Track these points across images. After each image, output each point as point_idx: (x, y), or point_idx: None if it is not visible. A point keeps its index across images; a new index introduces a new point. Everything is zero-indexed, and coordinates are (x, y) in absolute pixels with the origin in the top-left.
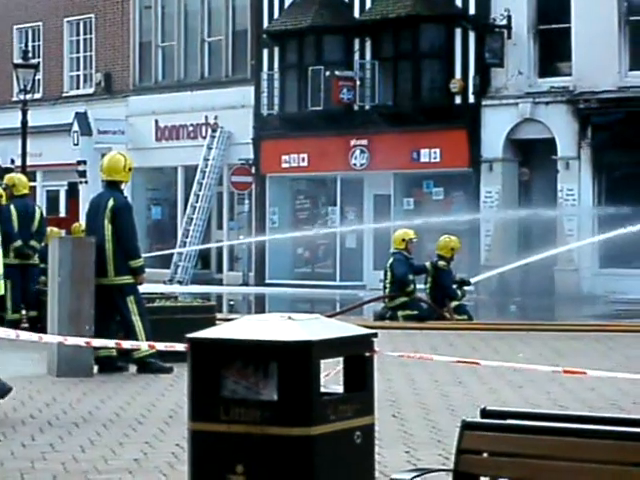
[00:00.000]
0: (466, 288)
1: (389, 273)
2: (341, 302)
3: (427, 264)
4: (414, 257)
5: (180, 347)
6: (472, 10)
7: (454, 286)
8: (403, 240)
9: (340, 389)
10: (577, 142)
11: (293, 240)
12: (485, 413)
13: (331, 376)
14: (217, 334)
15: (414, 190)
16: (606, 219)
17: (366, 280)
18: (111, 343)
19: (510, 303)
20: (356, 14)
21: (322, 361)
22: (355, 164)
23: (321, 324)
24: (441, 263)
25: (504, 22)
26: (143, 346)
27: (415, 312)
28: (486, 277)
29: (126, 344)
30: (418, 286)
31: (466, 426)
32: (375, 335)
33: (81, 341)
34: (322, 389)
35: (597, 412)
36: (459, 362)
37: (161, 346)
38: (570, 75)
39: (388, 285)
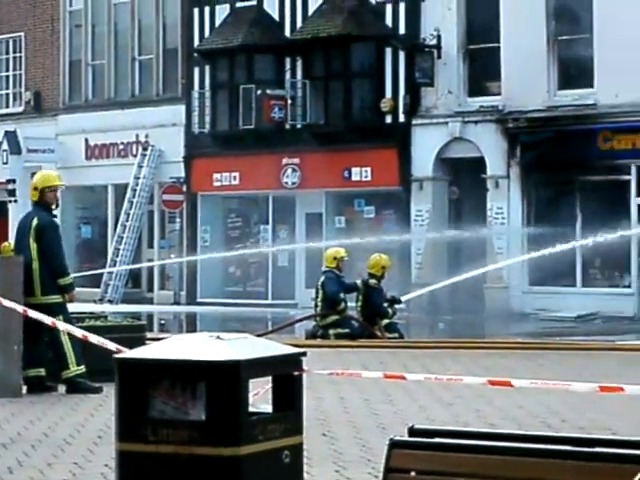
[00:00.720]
0: (397, 306)
1: (320, 291)
2: (273, 321)
3: (358, 282)
4: (345, 275)
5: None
6: (402, 30)
7: (385, 304)
8: (335, 258)
9: (269, 408)
10: (506, 161)
11: (225, 259)
12: (413, 431)
13: (260, 395)
14: (145, 354)
15: (345, 208)
16: (535, 237)
17: (298, 298)
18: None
19: (441, 321)
20: (287, 33)
21: (251, 380)
22: (287, 182)
23: (250, 343)
24: (372, 281)
25: (434, 42)
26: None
27: (346, 330)
28: (417, 295)
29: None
30: (349, 304)
31: (394, 445)
32: (304, 354)
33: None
34: (251, 409)
35: (526, 430)
36: (387, 377)
37: (112, 346)
38: (499, 94)
39: (319, 303)
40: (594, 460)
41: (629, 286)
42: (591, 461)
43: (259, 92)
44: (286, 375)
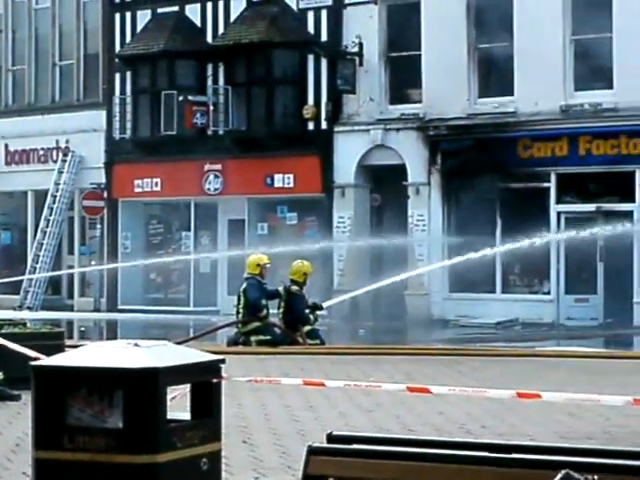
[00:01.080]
0: (319, 312)
1: (242, 298)
2: (195, 328)
3: (280, 289)
4: (267, 282)
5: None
6: (324, 37)
7: (307, 311)
8: (258, 265)
9: (187, 416)
10: (427, 168)
11: (146, 265)
12: (332, 438)
13: (178, 398)
14: (62, 361)
15: (268, 215)
16: (455, 244)
17: (220, 305)
18: None
19: (362, 327)
20: (209, 39)
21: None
22: (209, 189)
23: (168, 351)
24: (294, 288)
25: (356, 49)
26: None
27: (268, 337)
28: (338, 301)
29: None
30: (271, 311)
31: (312, 451)
32: (223, 361)
33: None
34: (169, 416)
35: (445, 436)
36: (306, 383)
37: (31, 354)
38: (420, 102)
39: (241, 310)
40: (511, 466)
41: (548, 293)
42: (508, 467)
43: (181, 98)
44: (205, 382)
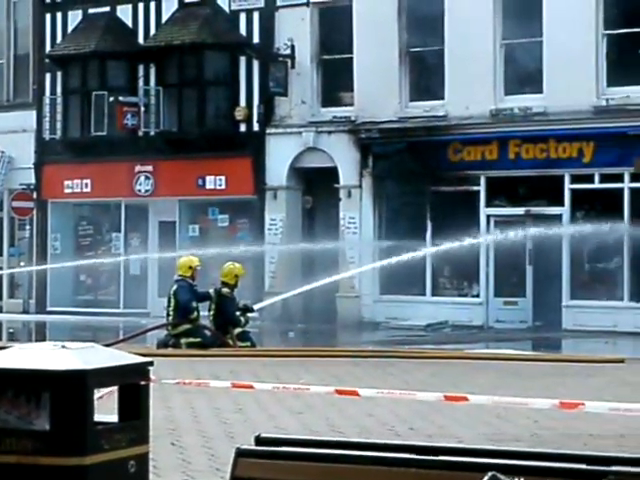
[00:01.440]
0: (250, 315)
1: (172, 300)
2: (124, 330)
3: (211, 291)
4: (198, 284)
5: None
6: (256, 39)
7: (238, 313)
8: (190, 267)
9: (115, 418)
10: (359, 171)
11: (75, 267)
12: (260, 440)
13: (105, 397)
14: None
15: (199, 217)
16: (386, 247)
17: (150, 307)
18: None
19: (293, 330)
20: (140, 40)
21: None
22: (140, 190)
23: (96, 353)
24: (225, 290)
25: (288, 51)
26: None
27: (198, 339)
28: (269, 304)
29: None
30: (202, 313)
31: (240, 453)
32: (151, 363)
33: None
34: (96, 418)
35: (374, 438)
36: (235, 386)
37: None
38: (352, 105)
39: (171, 312)
40: (437, 468)
41: (478, 295)
42: (434, 469)
43: (112, 99)
44: (133, 384)
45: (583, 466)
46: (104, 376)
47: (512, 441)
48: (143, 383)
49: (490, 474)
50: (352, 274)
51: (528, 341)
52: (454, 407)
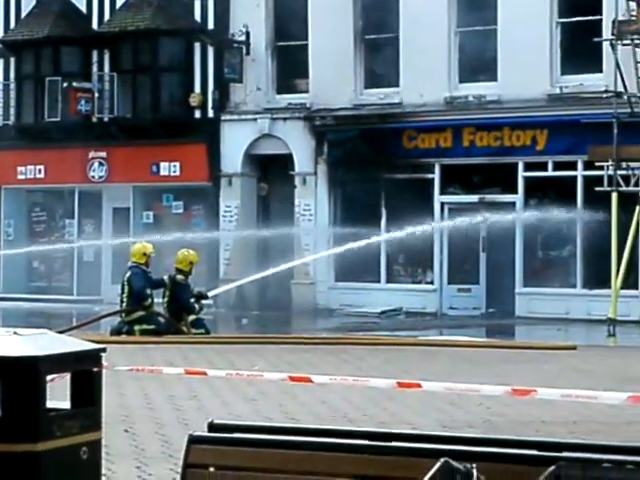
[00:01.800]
0: (204, 302)
1: (126, 287)
2: (78, 316)
3: (165, 278)
4: (152, 270)
5: None
6: (211, 25)
7: (192, 300)
8: (144, 254)
9: (67, 405)
10: (314, 158)
11: (29, 253)
12: (213, 427)
13: (57, 380)
14: None
15: (153, 203)
16: (341, 234)
17: (104, 294)
18: None
19: (248, 316)
20: (94, 26)
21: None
22: (94, 176)
23: (48, 339)
24: (179, 277)
25: (243, 38)
26: None
27: (152, 326)
28: (223, 290)
29: None
30: (156, 300)
31: (193, 440)
32: (103, 350)
33: None
34: (49, 404)
35: (327, 424)
36: (188, 373)
37: None
38: (307, 92)
39: (125, 299)
40: (390, 454)
41: (432, 282)
42: (387, 455)
43: (65, 85)
44: (85, 371)
45: (534, 452)
46: (56, 363)
47: (465, 427)
48: (96, 370)
49: (442, 460)
50: (307, 261)
51: (481, 328)
52: (407, 394)
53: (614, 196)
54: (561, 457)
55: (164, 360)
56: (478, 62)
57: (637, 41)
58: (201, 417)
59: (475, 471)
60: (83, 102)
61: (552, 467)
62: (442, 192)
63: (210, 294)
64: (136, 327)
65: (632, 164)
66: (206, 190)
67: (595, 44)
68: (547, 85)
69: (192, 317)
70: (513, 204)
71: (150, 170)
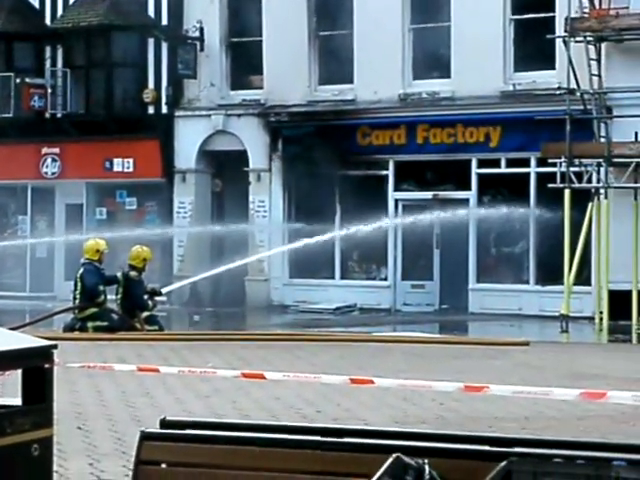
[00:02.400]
0: (158, 298)
1: (79, 283)
2: (30, 313)
3: (118, 274)
4: (105, 267)
5: None
6: (165, 21)
7: (145, 297)
8: (98, 251)
9: (18, 402)
10: (268, 155)
11: None
12: (165, 423)
13: (7, 377)
14: None
15: (107, 200)
16: (296, 230)
17: (57, 291)
18: None
19: (202, 313)
20: (47, 21)
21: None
22: (46, 172)
23: None
24: (132, 273)
25: (197, 34)
26: None
27: (105, 323)
28: (177, 287)
29: None
30: (109, 297)
31: (145, 437)
32: (55, 346)
33: None
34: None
35: (281, 421)
36: (140, 370)
37: None
38: (261, 88)
39: (78, 296)
40: (342, 450)
41: (386, 279)
42: (339, 451)
43: (18, 80)
44: (36, 368)
45: (486, 447)
46: (7, 359)
47: (418, 423)
48: (47, 366)
49: (394, 456)
50: (261, 257)
51: (435, 324)
52: (361, 390)
53: (567, 193)
54: (512, 452)
55: (117, 357)
56: (432, 59)
57: (589, 38)
58: (154, 414)
59: (427, 467)
60: (36, 98)
61: (504, 462)
62: (396, 189)
63: (164, 291)
64: (89, 324)
65: (585, 161)
66: (160, 186)
67: (548, 41)
68: (500, 82)
69: (146, 314)
70: (467, 201)
71: (103, 166)
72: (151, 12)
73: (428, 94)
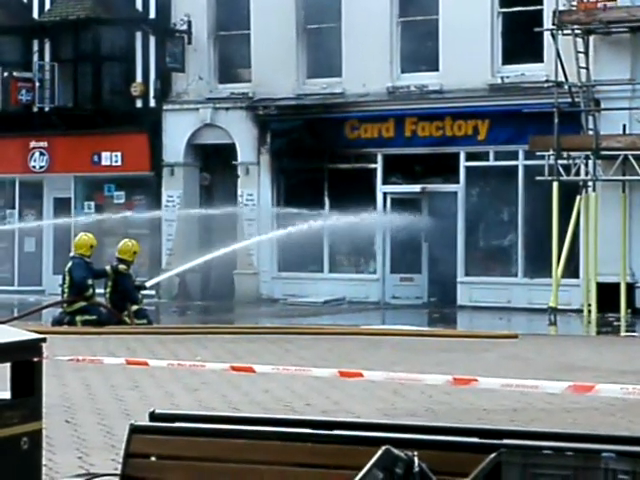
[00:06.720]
0: (145, 292)
1: (67, 277)
2: (19, 307)
3: (107, 268)
4: (93, 261)
5: None
6: (153, 14)
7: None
8: (92, 246)
9: (7, 395)
10: (257, 148)
11: None
12: (154, 416)
13: None
14: None
15: (95, 193)
16: (284, 224)
17: (45, 285)
18: None
19: (191, 307)
20: (35, 15)
21: None
22: (34, 166)
23: None
24: (122, 267)
25: (184, 27)
26: None
27: (94, 317)
28: (162, 279)
29: None
30: (98, 290)
31: (134, 430)
32: (43, 340)
33: None
34: None
35: (270, 414)
36: (129, 363)
37: None
38: (250, 82)
39: (67, 289)
40: (332, 443)
41: (374, 272)
42: (329, 444)
43: (6, 74)
44: (25, 361)
45: (475, 439)
46: None
47: (407, 416)
48: (36, 360)
49: (384, 448)
50: (249, 244)
51: (424, 317)
52: (350, 383)
53: (555, 185)
54: (502, 444)
55: (107, 350)
56: (420, 52)
57: (577, 31)
58: (143, 407)
59: (417, 459)
60: (24, 92)
61: (493, 454)
62: (384, 182)
63: (148, 284)
64: (78, 318)
65: (573, 154)
66: (148, 180)
67: (536, 34)
68: (488, 75)
69: (134, 307)
70: (455, 194)
71: (91, 160)
72: (139, 5)
73: (416, 87)
